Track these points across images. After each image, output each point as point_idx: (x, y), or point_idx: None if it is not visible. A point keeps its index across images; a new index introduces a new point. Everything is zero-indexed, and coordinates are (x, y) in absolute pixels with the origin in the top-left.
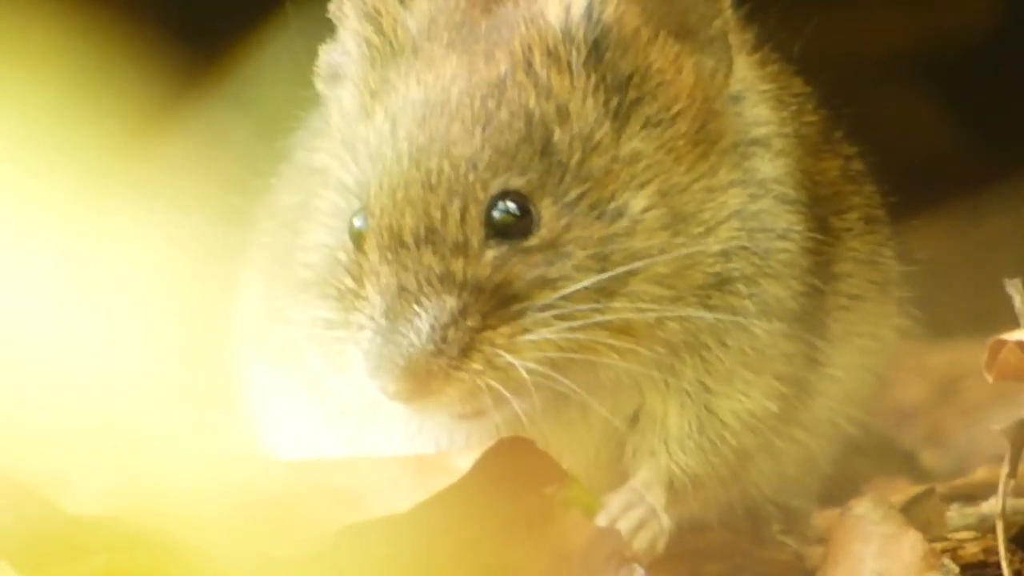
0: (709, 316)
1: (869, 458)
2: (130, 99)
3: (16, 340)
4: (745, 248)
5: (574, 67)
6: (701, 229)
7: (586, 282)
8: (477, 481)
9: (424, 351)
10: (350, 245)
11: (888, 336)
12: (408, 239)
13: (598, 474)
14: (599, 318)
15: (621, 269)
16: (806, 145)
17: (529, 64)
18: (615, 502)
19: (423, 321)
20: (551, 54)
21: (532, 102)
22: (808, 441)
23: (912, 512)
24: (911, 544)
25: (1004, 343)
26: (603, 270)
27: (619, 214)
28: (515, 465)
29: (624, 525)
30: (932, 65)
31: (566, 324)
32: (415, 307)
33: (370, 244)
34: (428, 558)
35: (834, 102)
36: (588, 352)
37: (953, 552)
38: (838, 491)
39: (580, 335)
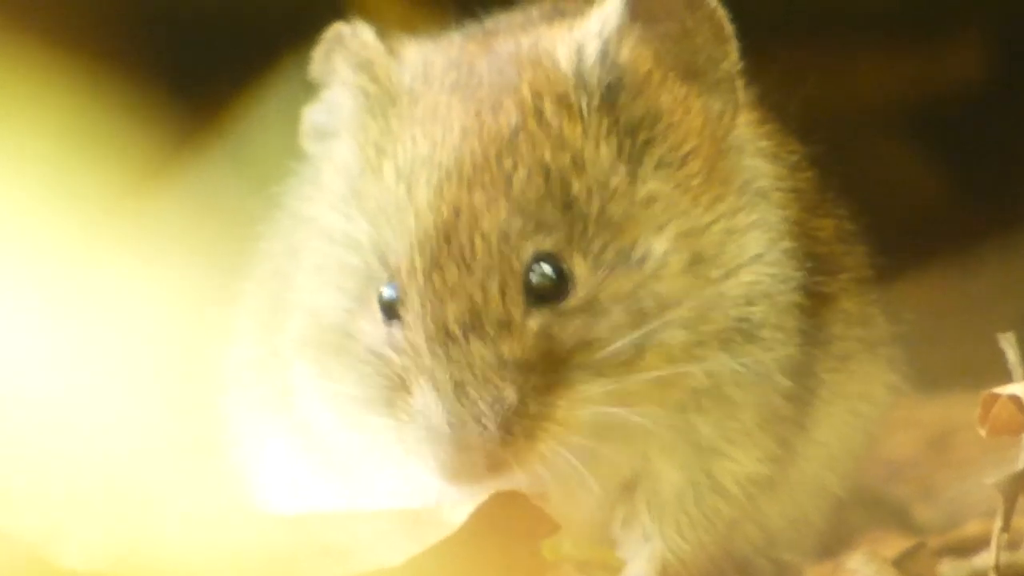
0: (734, 364)
1: (861, 512)
2: (127, 152)
3: (11, 394)
4: (768, 295)
5: (586, 112)
6: (722, 272)
7: (624, 341)
8: (470, 535)
9: (494, 450)
10: (378, 314)
11: (878, 395)
12: (455, 330)
13: (591, 531)
14: (638, 376)
15: (656, 323)
16: (803, 202)
17: (540, 113)
18: None
19: (489, 420)
20: (562, 100)
21: (548, 155)
22: (795, 502)
23: (904, 566)
24: None
25: (997, 397)
26: (636, 322)
27: (643, 260)
28: (508, 519)
29: None
30: (924, 120)
31: (609, 385)
32: (477, 407)
33: (414, 333)
34: None
35: (827, 159)
36: (626, 407)
37: None
38: (830, 545)
39: (621, 393)
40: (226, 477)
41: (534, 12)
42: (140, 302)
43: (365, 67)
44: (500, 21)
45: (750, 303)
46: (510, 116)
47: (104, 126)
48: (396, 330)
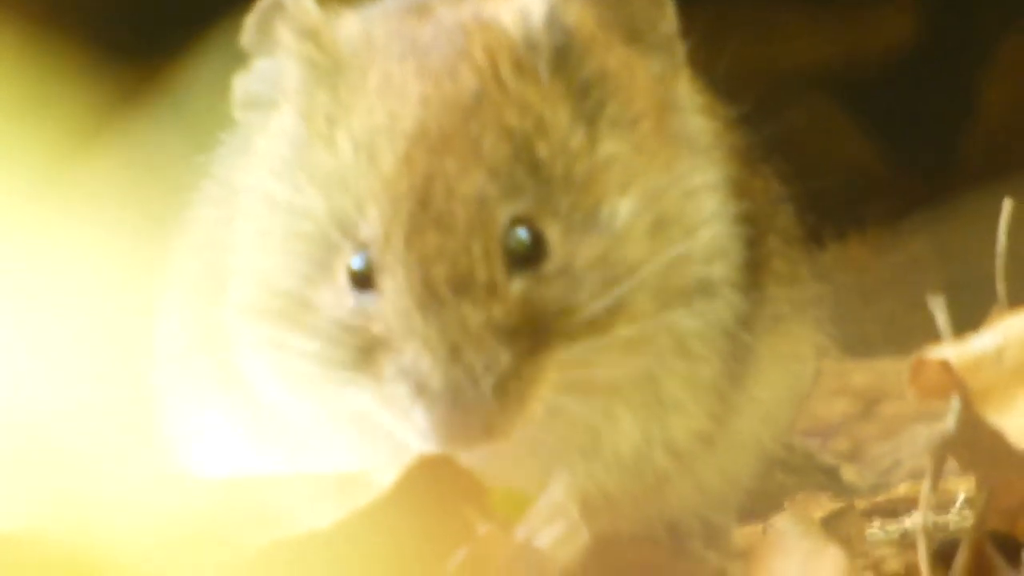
0: (696, 321)
1: (791, 474)
2: (66, 115)
3: None
4: (725, 254)
5: (542, 75)
6: (683, 232)
7: (597, 305)
8: (397, 498)
9: (491, 414)
10: (343, 284)
11: (807, 355)
12: (444, 292)
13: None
14: (612, 337)
15: (627, 285)
16: (739, 160)
17: (498, 77)
18: (536, 515)
19: (484, 383)
20: (517, 64)
21: (512, 119)
22: (728, 460)
23: (833, 527)
24: (833, 559)
25: (927, 359)
26: (608, 287)
27: (610, 222)
28: (436, 482)
29: (545, 538)
30: (853, 85)
31: (587, 348)
32: (474, 370)
33: (400, 297)
34: (351, 575)
35: (755, 121)
36: (603, 371)
37: (875, 567)
38: (760, 506)
39: (597, 356)
40: (156, 447)
41: None
42: (76, 267)
43: (310, 36)
44: None
45: (709, 262)
46: (469, 82)
47: (46, 87)
48: (371, 299)
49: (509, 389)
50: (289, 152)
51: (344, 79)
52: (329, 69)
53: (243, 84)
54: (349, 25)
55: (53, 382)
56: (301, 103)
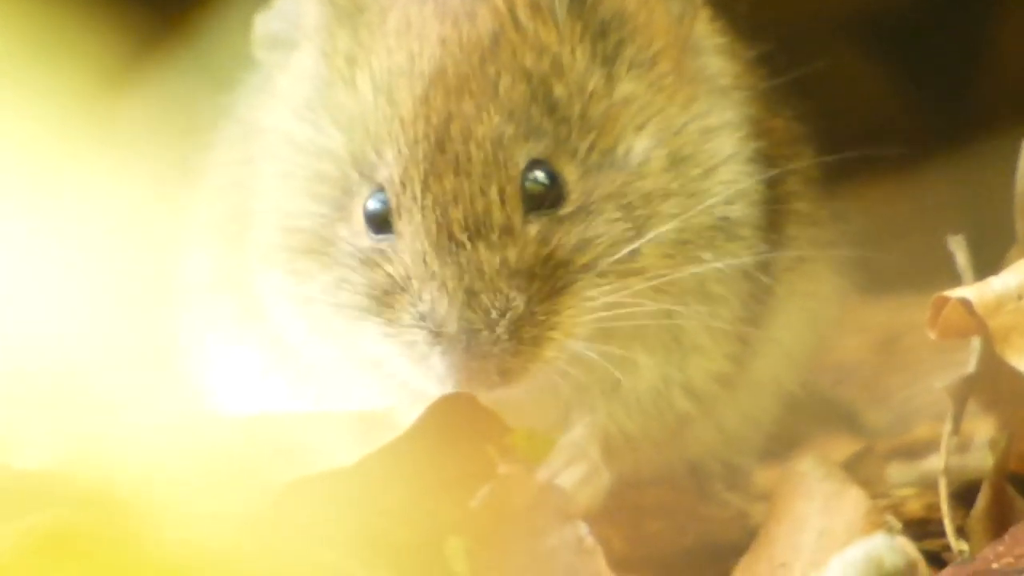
0: (718, 263)
1: (811, 416)
2: (90, 60)
3: None
4: (744, 194)
5: (559, 17)
6: (701, 170)
7: (630, 247)
8: (420, 436)
9: (506, 358)
10: (360, 225)
11: (828, 295)
12: (460, 235)
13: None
14: (636, 278)
15: (651, 234)
16: (760, 101)
17: (516, 19)
18: (557, 456)
19: (501, 328)
20: (535, 6)
21: (528, 60)
22: (750, 402)
23: (853, 469)
24: (854, 501)
25: (947, 300)
26: (627, 220)
27: (627, 159)
28: (458, 421)
29: (566, 480)
30: (873, 26)
31: (610, 290)
32: (489, 314)
33: (416, 240)
34: (374, 512)
35: (778, 63)
36: (622, 310)
37: (895, 508)
38: (780, 449)
39: (619, 297)
40: (181, 385)
41: None
42: (103, 208)
43: None
44: None
45: (729, 202)
46: (487, 24)
47: (68, 30)
48: (388, 241)
49: (523, 333)
50: (310, 92)
51: (364, 20)
52: (350, 10)
53: (264, 23)
54: None
55: (81, 323)
56: (322, 43)
